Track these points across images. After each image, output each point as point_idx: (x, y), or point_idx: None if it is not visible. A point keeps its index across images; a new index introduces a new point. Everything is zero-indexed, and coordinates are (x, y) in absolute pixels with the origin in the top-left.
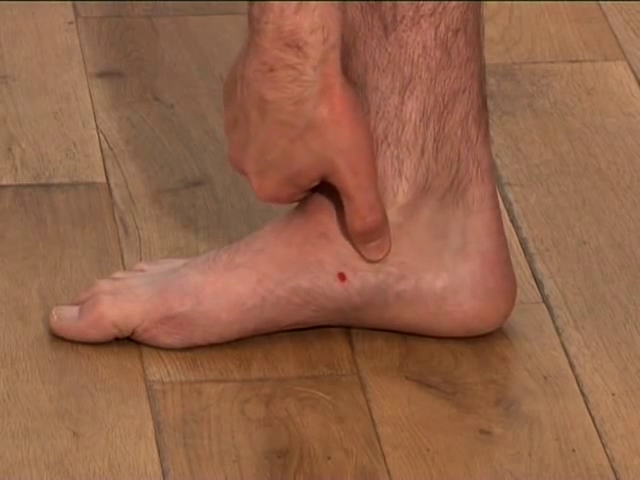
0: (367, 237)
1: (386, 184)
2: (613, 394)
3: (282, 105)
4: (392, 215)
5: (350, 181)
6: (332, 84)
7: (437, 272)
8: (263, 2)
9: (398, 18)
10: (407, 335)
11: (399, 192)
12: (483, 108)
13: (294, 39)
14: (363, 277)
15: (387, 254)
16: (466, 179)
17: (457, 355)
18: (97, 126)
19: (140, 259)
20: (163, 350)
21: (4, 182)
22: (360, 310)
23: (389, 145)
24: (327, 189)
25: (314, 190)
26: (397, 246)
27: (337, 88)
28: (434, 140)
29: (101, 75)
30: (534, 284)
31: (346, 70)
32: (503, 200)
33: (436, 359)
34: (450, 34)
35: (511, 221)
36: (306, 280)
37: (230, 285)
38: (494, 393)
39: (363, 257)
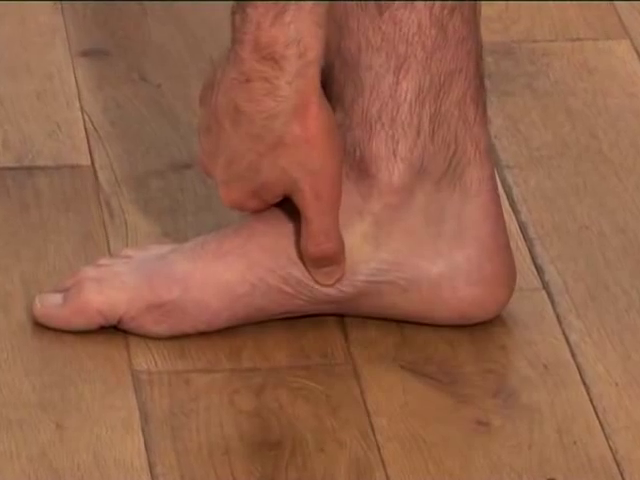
0: (319, 263)
1: (380, 165)
2: (616, 384)
3: (254, 118)
4: (387, 198)
5: (311, 204)
6: (307, 102)
7: (432, 258)
8: (244, 13)
9: None
10: (402, 323)
11: (394, 173)
12: (481, 88)
13: (270, 52)
14: (356, 266)
15: (338, 281)
16: (464, 161)
17: (454, 344)
18: (82, 107)
19: (126, 245)
20: (150, 339)
21: None
22: (353, 299)
23: (383, 125)
24: None
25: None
26: (391, 232)
27: (313, 107)
28: (430, 120)
29: (86, 54)
30: (534, 270)
31: (332, 67)
32: (502, 183)
33: (432, 348)
34: (446, 12)
35: (510, 205)
36: (297, 269)
37: (219, 272)
38: (492, 383)
39: (313, 280)
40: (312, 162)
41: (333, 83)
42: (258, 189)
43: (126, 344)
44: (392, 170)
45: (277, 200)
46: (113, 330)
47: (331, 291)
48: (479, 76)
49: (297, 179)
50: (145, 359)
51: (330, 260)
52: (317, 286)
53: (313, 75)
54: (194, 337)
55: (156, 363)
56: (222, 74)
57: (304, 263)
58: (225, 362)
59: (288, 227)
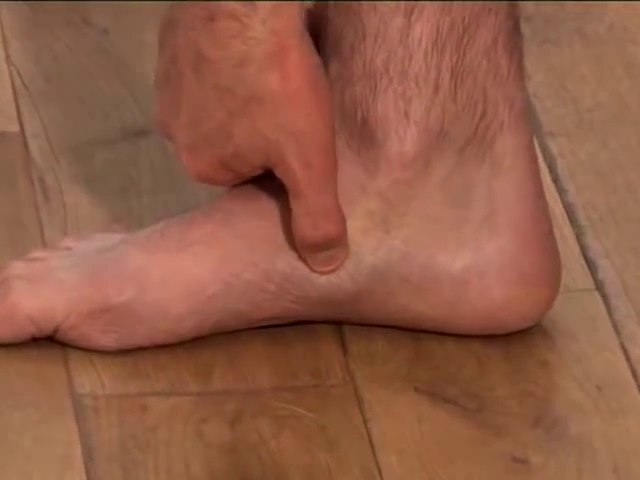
0: (317, 248)
1: (389, 130)
2: None
3: (221, 66)
4: (397, 171)
5: (300, 176)
6: (286, 47)
7: (456, 249)
8: None
9: None
10: (417, 333)
11: (406, 140)
12: (515, 33)
13: None
14: (357, 256)
15: (339, 266)
16: (495, 125)
17: (482, 359)
18: (8, 57)
19: (65, 233)
20: (95, 353)
21: None
22: (354, 301)
23: (391, 80)
24: None
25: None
26: (403, 214)
27: (293, 53)
28: (452, 73)
29: None
30: (584, 265)
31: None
32: (543, 154)
33: (455, 365)
34: None
35: (554, 182)
36: (283, 261)
37: (184, 267)
38: (532, 409)
39: (310, 268)
40: (296, 122)
41: (328, 27)
42: (230, 159)
43: (65, 360)
44: (403, 136)
45: (255, 173)
46: (49, 342)
47: (326, 287)
48: (514, 18)
49: (279, 144)
50: (89, 379)
51: (332, 243)
52: (309, 282)
53: (293, 13)
54: (152, 351)
55: (103, 384)
56: (182, 10)
57: (293, 253)
58: (191, 383)
59: (272, 208)
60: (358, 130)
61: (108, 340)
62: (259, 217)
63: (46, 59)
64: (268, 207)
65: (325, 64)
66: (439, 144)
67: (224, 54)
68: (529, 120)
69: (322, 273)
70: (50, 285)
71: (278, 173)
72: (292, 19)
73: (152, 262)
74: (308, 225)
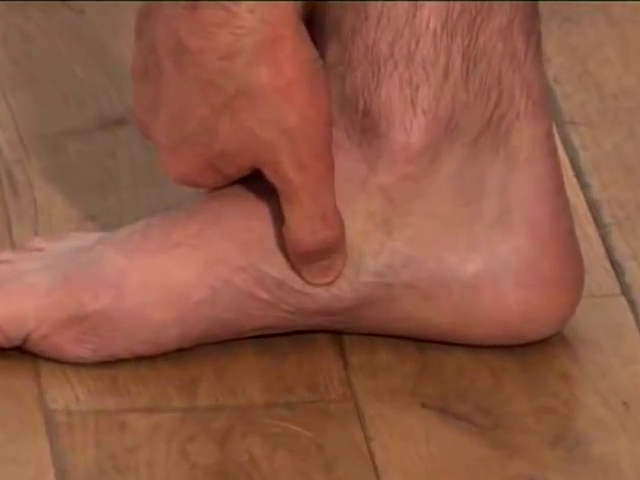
0: (312, 257)
1: (393, 120)
2: None
3: (206, 58)
4: (402, 166)
5: (293, 177)
6: (279, 37)
7: (466, 251)
8: None
9: None
10: (424, 343)
11: (413, 131)
12: (533, 13)
13: None
14: (357, 262)
15: (337, 277)
16: (510, 114)
17: (496, 372)
18: None
19: (36, 233)
20: (70, 365)
21: None
22: (355, 309)
23: (396, 65)
24: None
25: None
26: (408, 213)
27: (286, 44)
28: (463, 57)
29: None
30: (609, 268)
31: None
32: (564, 146)
33: (466, 378)
34: None
35: (576, 176)
36: (276, 267)
37: (167, 271)
38: (551, 427)
39: (304, 280)
40: (288, 120)
41: (325, 11)
42: (215, 158)
43: (36, 373)
44: (409, 127)
45: (243, 174)
46: (18, 353)
47: (324, 297)
48: None
49: (269, 144)
50: (63, 394)
51: (328, 251)
52: (305, 289)
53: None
54: (132, 363)
55: (78, 399)
56: None
57: (288, 257)
58: (175, 398)
59: (264, 207)
60: (359, 120)
61: (83, 351)
62: (250, 217)
63: (15, 40)
64: (260, 206)
65: (322, 52)
66: (449, 135)
67: (209, 45)
68: (548, 108)
69: (319, 285)
70: (19, 290)
71: (269, 175)
72: (285, 7)
73: (132, 265)
74: (303, 232)
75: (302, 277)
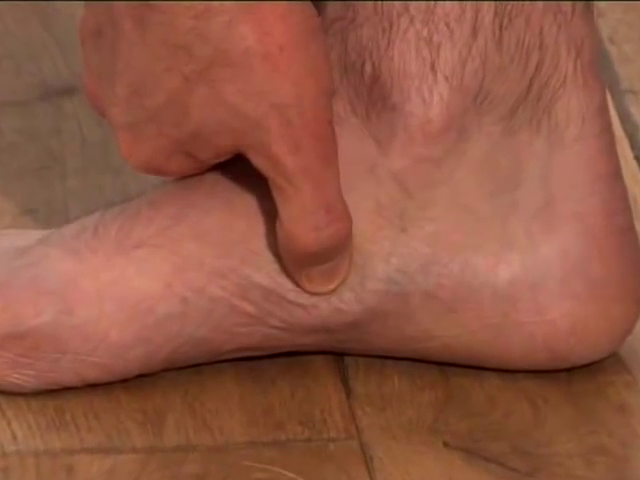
0: (316, 259)
1: (408, 88)
2: None
3: (176, 17)
4: (419, 145)
5: (288, 162)
6: None
7: (499, 252)
8: None
9: None
10: (445, 367)
11: (433, 102)
12: None
13: None
14: (364, 266)
15: (341, 283)
16: (555, 81)
17: (537, 403)
18: None
19: None
20: (5, 396)
21: None
22: (361, 325)
23: (412, 20)
24: None
25: None
26: (427, 204)
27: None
28: (495, 11)
29: None
30: None
31: None
32: (621, 120)
33: (499, 411)
34: None
35: (636, 159)
36: (264, 273)
37: (125, 278)
38: (605, 472)
39: (302, 288)
40: (278, 92)
41: None
42: (187, 140)
43: None
44: (429, 97)
45: (221, 159)
46: None
47: (323, 310)
48: None
49: (255, 122)
50: None
51: (334, 251)
52: (299, 299)
53: None
54: (82, 393)
55: (15, 437)
56: None
57: (279, 260)
58: (136, 436)
59: (247, 198)
60: (366, 88)
61: (23, 377)
62: (230, 211)
63: None
64: (243, 197)
65: (320, 7)
66: (478, 108)
67: (179, 1)
68: (601, 74)
69: (320, 294)
70: None
71: (256, 160)
72: None
73: (81, 270)
74: (303, 228)
75: (300, 285)
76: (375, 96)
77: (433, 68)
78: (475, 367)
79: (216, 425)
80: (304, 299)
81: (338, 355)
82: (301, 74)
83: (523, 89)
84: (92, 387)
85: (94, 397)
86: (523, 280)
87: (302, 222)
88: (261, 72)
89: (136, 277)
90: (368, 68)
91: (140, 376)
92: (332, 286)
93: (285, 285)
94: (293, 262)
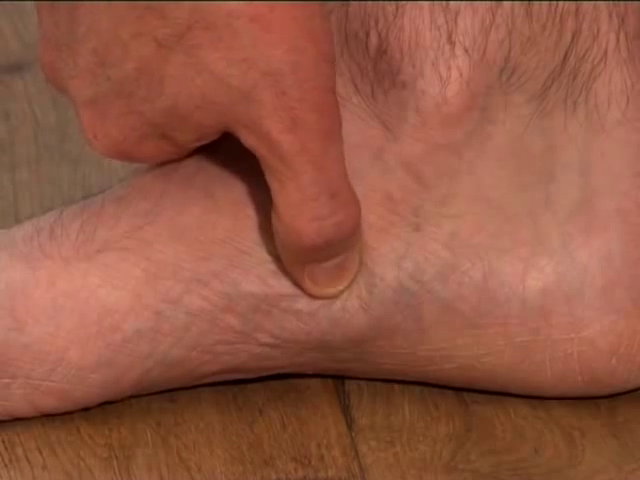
0: (320, 255)
1: (421, 62)
2: None
3: None
4: (435, 129)
5: (285, 140)
6: None
7: (530, 256)
8: None
9: None
10: (464, 393)
11: (450, 79)
12: None
13: None
14: (372, 271)
15: (351, 284)
16: (594, 54)
17: (573, 436)
18: None
19: None
20: None
21: None
22: (366, 341)
23: None
24: None
25: None
26: (445, 197)
27: None
28: None
29: None
30: None
31: None
32: None
33: (529, 445)
34: None
35: None
36: (252, 278)
37: (87, 288)
38: None
39: (304, 292)
40: (271, 59)
41: None
42: (162, 118)
43: None
44: (446, 73)
45: (203, 142)
46: None
47: (321, 321)
48: None
49: (245, 93)
50: None
51: (341, 245)
52: (293, 306)
53: None
54: (35, 424)
55: None
56: None
57: (273, 261)
58: (100, 475)
59: (232, 188)
60: (371, 63)
61: None
62: (214, 203)
63: None
64: (229, 186)
65: None
66: (503, 85)
67: None
68: None
69: (326, 297)
70: None
71: (245, 139)
72: None
73: (35, 278)
74: (304, 218)
75: (303, 287)
76: (382, 72)
77: (450, 39)
78: (500, 393)
79: (194, 462)
80: (301, 305)
81: (338, 379)
82: (296, 37)
83: (557, 63)
84: (48, 417)
85: (50, 429)
86: (557, 290)
87: (302, 211)
88: (249, 35)
89: (100, 287)
90: (373, 39)
91: (104, 404)
92: (341, 287)
93: (279, 289)
94: (293, 260)
